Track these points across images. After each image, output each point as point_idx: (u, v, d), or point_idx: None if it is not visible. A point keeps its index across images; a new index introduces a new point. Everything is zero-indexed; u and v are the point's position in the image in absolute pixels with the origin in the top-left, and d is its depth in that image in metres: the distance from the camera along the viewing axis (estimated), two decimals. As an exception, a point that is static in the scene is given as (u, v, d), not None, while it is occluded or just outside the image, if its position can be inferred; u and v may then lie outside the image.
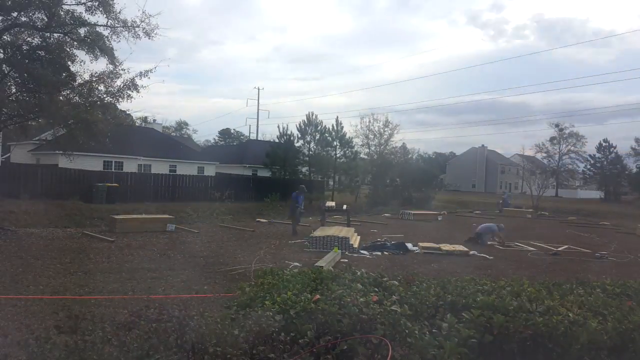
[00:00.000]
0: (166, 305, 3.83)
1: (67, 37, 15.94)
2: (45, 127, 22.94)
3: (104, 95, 16.05)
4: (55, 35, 16.04)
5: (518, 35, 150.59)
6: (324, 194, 37.67)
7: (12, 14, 15.34)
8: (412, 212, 26.34)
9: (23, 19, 15.45)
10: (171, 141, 47.00)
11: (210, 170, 40.37)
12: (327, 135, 36.34)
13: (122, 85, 15.77)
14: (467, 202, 41.74)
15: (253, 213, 23.22)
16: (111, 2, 15.58)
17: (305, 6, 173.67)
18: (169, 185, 28.20)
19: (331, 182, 40.63)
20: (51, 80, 14.78)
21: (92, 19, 15.93)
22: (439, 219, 26.26)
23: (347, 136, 37.68)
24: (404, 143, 49.86)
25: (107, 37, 15.95)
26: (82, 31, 16.09)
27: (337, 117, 47.86)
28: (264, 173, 39.14)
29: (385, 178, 36.50)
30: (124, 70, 16.02)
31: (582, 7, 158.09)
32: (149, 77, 15.87)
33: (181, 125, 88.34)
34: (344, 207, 20.44)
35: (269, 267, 7.27)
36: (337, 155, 37.14)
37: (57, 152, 21.67)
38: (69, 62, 16.01)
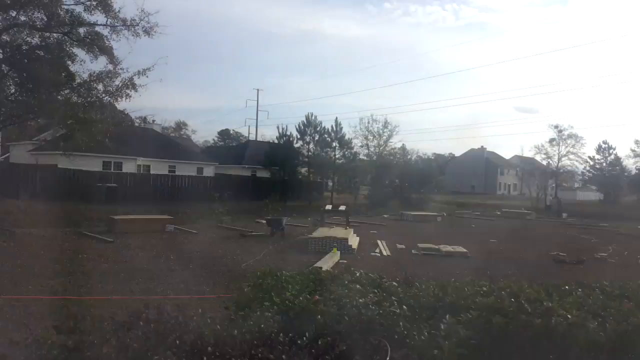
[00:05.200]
0: (165, 306, 3.83)
1: (66, 36, 15.94)
2: (44, 127, 22.89)
3: (103, 95, 16.06)
4: (55, 35, 16.04)
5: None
6: (322, 195, 37.68)
7: (12, 13, 15.35)
8: (412, 213, 26.35)
9: (22, 18, 15.46)
10: (170, 142, 46.88)
11: (209, 171, 40.30)
12: (326, 136, 36.31)
13: (120, 85, 15.77)
14: (466, 204, 41.70)
15: (252, 214, 23.18)
16: (110, 2, 15.61)
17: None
18: (168, 185, 28.18)
19: (330, 183, 40.61)
20: (50, 80, 14.79)
21: (91, 18, 15.97)
22: (438, 220, 26.28)
23: (347, 137, 37.73)
24: (403, 144, 49.74)
25: (106, 36, 15.97)
26: (81, 31, 16.11)
27: (337, 117, 47.86)
28: (263, 174, 39.09)
29: (385, 179, 36.49)
30: (122, 69, 16.04)
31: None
32: (147, 76, 15.89)
33: (180, 125, 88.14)
34: (343, 207, 20.41)
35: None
36: (337, 156, 37.12)
37: (57, 152, 21.68)
38: (69, 62, 16.03)
